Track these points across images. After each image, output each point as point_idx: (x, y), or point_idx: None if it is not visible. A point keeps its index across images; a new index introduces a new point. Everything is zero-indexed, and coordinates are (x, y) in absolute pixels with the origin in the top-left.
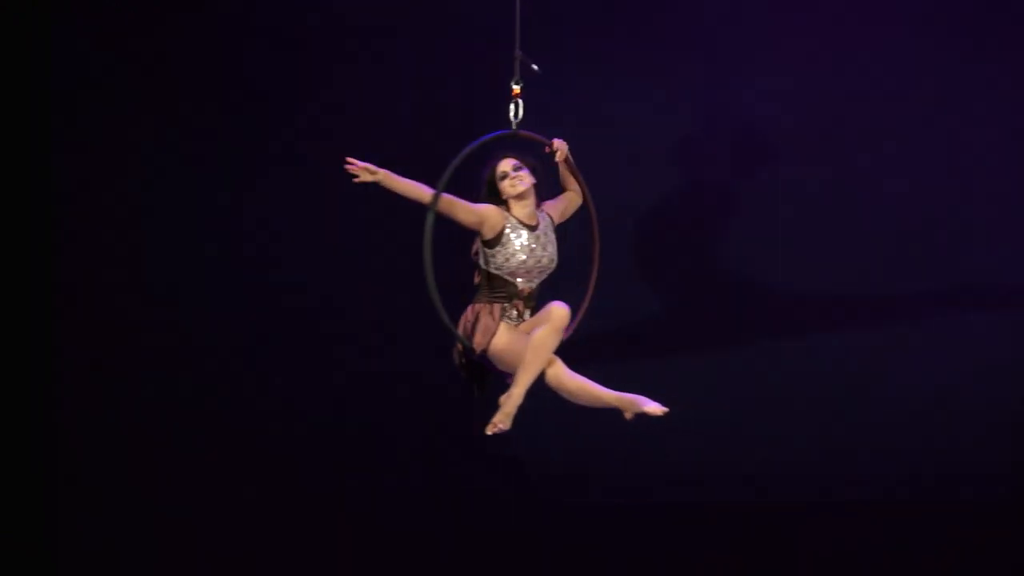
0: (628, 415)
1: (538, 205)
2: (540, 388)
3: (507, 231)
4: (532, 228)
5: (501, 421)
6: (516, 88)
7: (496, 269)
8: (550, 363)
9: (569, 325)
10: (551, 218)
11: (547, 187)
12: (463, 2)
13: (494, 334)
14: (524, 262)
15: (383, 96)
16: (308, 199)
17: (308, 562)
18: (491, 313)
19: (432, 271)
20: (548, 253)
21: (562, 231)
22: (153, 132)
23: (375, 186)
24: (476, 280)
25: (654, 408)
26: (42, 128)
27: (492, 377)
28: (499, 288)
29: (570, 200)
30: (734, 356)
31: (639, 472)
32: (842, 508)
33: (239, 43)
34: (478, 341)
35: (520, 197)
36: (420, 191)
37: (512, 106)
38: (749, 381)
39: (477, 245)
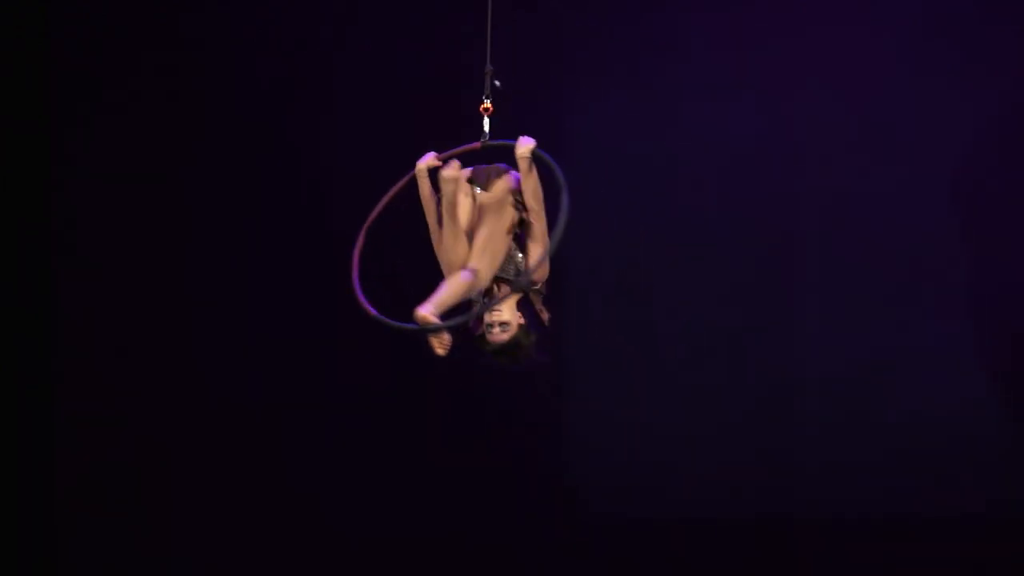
0: None
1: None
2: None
3: None
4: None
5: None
6: (486, 103)
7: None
8: None
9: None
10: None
11: None
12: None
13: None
14: None
15: (385, 99)
16: (309, 199)
17: (314, 565)
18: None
19: None
20: None
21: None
22: (153, 132)
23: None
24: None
25: None
26: (42, 127)
27: None
28: None
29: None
30: (727, 370)
31: (633, 486)
32: (842, 526)
33: (240, 44)
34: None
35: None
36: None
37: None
38: (741, 396)
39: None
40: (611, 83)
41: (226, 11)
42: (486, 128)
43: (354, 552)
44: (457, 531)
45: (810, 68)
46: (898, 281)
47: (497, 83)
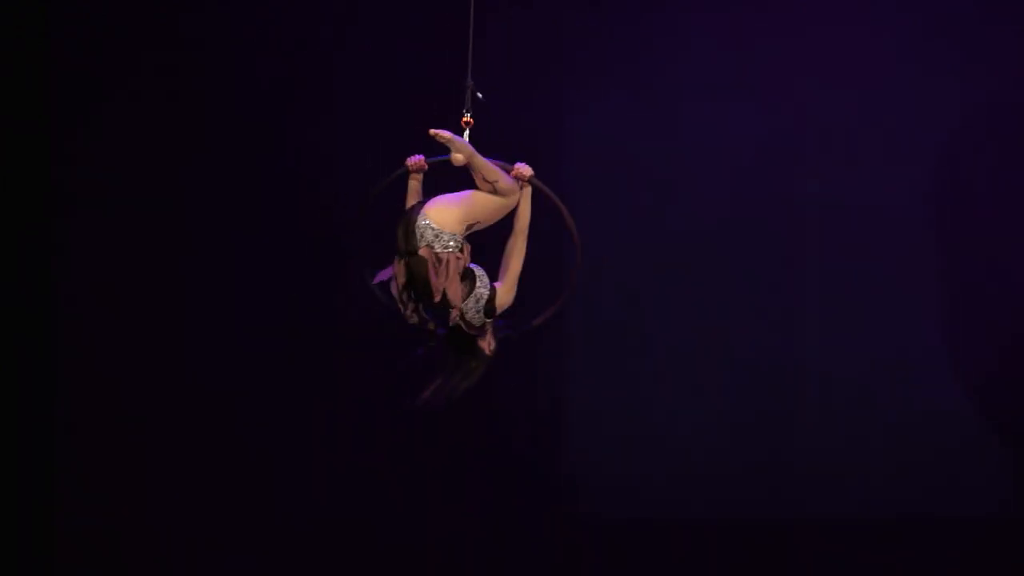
0: None
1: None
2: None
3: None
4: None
5: None
6: (467, 116)
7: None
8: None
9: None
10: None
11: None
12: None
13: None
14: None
15: (385, 99)
16: (309, 199)
17: (311, 564)
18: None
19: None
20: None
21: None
22: (153, 132)
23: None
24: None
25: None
26: (42, 127)
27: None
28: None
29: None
30: (727, 371)
31: (631, 487)
32: (842, 527)
33: (240, 44)
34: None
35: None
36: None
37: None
38: (741, 397)
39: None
40: (611, 83)
41: (226, 11)
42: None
43: (352, 551)
44: (456, 531)
45: (810, 68)
46: (898, 282)
47: (480, 95)
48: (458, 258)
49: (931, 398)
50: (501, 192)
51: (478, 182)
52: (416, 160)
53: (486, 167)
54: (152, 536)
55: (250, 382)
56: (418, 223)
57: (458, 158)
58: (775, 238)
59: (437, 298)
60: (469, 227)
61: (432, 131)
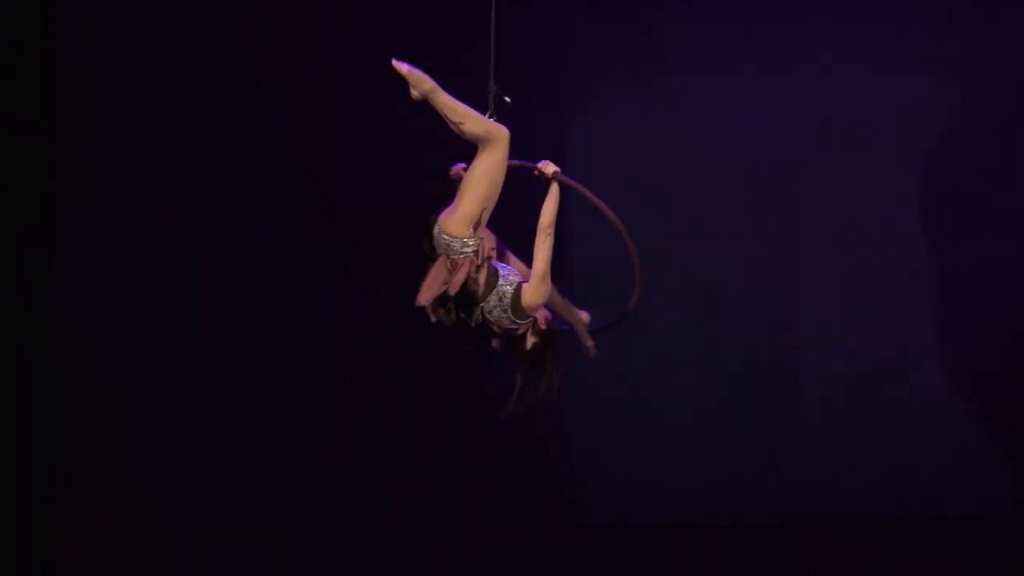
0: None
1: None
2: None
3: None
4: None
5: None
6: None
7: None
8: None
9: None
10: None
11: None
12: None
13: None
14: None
15: (385, 99)
16: (309, 199)
17: (310, 564)
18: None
19: None
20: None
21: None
22: (153, 132)
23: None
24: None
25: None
26: (42, 127)
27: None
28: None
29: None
30: (726, 373)
31: (632, 489)
32: (842, 528)
33: (240, 44)
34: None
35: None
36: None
37: None
38: (740, 399)
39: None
40: (611, 83)
41: (226, 11)
42: None
43: (351, 552)
44: (456, 531)
45: (810, 68)
46: (896, 284)
47: (507, 99)
48: (472, 260)
49: (931, 398)
50: (472, 136)
51: (451, 127)
52: (457, 169)
53: (449, 105)
54: (152, 536)
55: (250, 382)
56: (434, 234)
57: (414, 93)
58: (775, 238)
59: (423, 301)
60: (477, 222)
61: (394, 62)
